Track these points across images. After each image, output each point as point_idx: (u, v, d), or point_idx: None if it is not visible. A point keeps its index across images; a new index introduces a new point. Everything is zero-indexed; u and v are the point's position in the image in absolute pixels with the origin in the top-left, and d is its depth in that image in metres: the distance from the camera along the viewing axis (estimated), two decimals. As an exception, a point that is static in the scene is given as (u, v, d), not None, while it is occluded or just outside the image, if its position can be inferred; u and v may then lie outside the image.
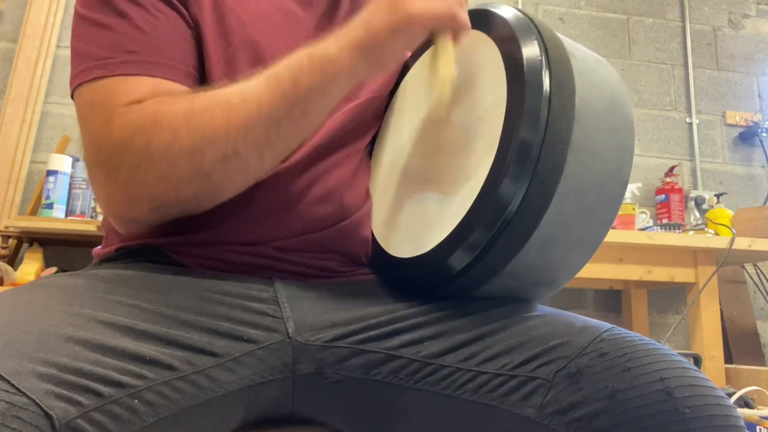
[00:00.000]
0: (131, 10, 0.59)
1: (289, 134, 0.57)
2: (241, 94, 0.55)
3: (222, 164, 0.55)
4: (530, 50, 0.55)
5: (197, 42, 0.63)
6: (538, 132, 0.52)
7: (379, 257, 0.68)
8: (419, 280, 0.60)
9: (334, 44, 0.56)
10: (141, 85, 0.57)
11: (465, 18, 0.59)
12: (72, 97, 0.60)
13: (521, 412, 0.48)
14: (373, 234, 0.70)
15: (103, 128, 0.55)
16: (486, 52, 0.59)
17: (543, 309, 0.58)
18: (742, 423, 0.45)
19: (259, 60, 0.64)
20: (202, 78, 0.63)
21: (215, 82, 0.62)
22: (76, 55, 0.60)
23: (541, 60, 0.54)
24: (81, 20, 0.60)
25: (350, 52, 0.55)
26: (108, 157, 0.55)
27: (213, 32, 0.63)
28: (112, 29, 0.58)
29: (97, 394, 0.42)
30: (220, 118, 0.54)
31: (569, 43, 0.59)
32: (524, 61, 0.54)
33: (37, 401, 0.38)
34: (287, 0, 0.69)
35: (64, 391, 0.40)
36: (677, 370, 0.46)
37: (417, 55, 0.73)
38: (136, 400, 0.45)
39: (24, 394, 0.38)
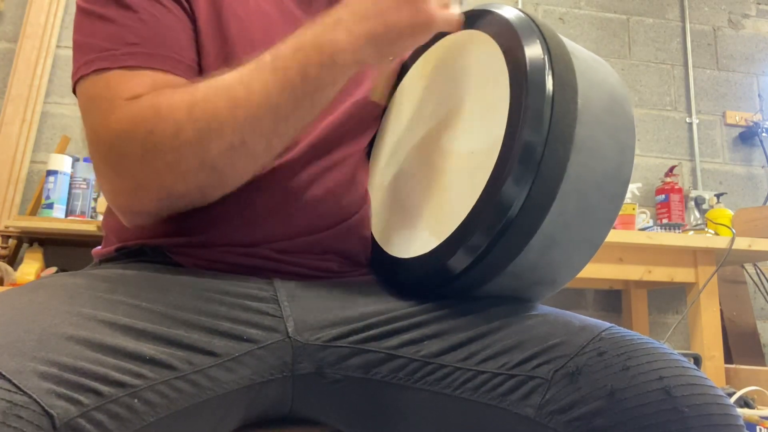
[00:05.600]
0: (133, 2, 0.59)
1: (296, 122, 0.57)
2: (246, 86, 0.54)
3: (228, 154, 0.54)
4: (533, 50, 0.55)
5: (197, 37, 0.62)
6: (542, 131, 0.52)
7: (379, 258, 0.68)
8: (420, 281, 0.60)
9: (344, 35, 0.55)
10: (142, 78, 0.57)
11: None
12: (74, 92, 0.60)
13: (520, 412, 0.48)
14: (372, 235, 0.70)
15: (103, 120, 0.55)
16: (488, 53, 0.59)
17: (542, 308, 0.58)
18: (742, 422, 0.45)
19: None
20: (200, 74, 0.63)
21: None
22: (78, 48, 0.60)
23: (543, 60, 0.54)
24: (83, 14, 0.60)
25: (363, 43, 0.55)
26: (110, 148, 0.55)
27: (209, 29, 0.63)
28: (114, 21, 0.58)
29: (98, 393, 0.42)
30: (224, 109, 0.54)
31: (570, 44, 0.59)
32: (527, 61, 0.54)
33: (38, 400, 0.38)
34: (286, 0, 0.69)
35: (65, 390, 0.40)
36: (676, 369, 0.46)
37: (415, 55, 0.73)
38: (136, 400, 0.45)
39: (25, 393, 0.38)
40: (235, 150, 0.54)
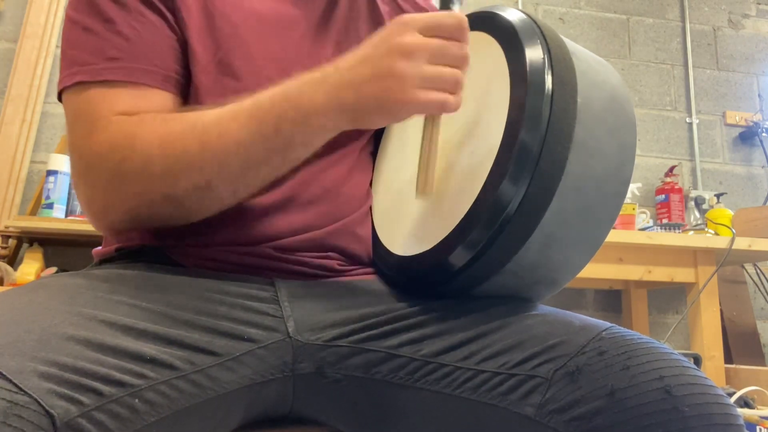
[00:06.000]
0: (116, 15, 0.60)
1: (265, 173, 0.57)
2: (220, 130, 0.54)
3: (194, 192, 0.56)
4: (533, 51, 0.56)
5: (184, 45, 0.62)
6: (540, 130, 0.52)
7: (381, 255, 0.68)
8: (422, 278, 0.61)
9: (322, 97, 0.53)
10: (122, 96, 0.58)
11: (457, 103, 0.54)
12: (59, 100, 0.62)
13: (521, 411, 0.48)
14: (376, 232, 0.70)
15: (83, 140, 0.58)
16: (490, 53, 0.60)
17: (542, 308, 0.58)
18: (742, 422, 0.46)
19: (251, 62, 0.64)
20: (191, 81, 0.63)
21: (205, 86, 0.62)
22: (63, 58, 0.61)
23: (543, 59, 0.55)
24: (70, 24, 0.62)
25: (337, 112, 0.53)
26: (86, 168, 0.58)
27: (200, 35, 0.63)
28: (97, 34, 0.59)
29: (98, 393, 0.42)
30: (194, 149, 0.54)
31: (571, 45, 0.60)
32: (527, 62, 0.55)
33: (39, 400, 0.39)
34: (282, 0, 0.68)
35: (66, 390, 0.40)
36: (677, 369, 0.46)
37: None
38: (137, 400, 0.45)
39: (25, 392, 0.38)
40: (201, 190, 0.56)
